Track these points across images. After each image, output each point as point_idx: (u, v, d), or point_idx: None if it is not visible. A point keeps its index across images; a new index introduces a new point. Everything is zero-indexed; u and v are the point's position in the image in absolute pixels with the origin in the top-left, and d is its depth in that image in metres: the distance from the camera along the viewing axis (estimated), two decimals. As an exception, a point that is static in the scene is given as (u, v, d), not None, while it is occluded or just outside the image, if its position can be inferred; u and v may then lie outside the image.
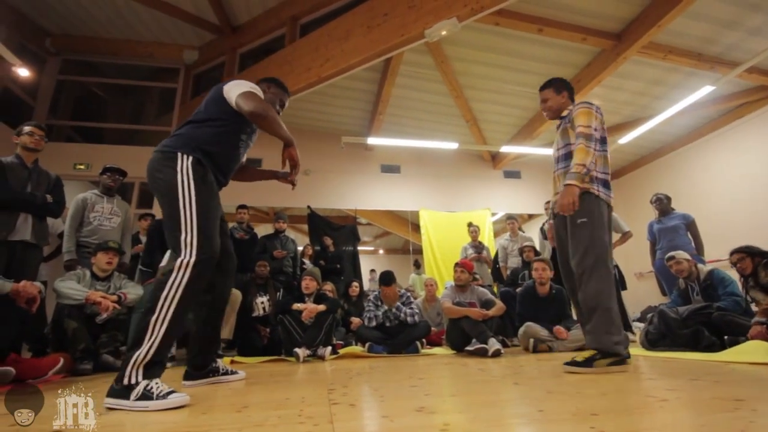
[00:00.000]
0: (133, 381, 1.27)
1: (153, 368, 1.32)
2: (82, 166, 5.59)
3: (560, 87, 2.24)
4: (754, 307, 2.78)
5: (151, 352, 1.31)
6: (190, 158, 1.54)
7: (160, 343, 1.33)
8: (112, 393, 1.27)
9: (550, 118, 2.30)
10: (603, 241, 1.93)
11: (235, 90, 1.63)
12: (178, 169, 1.52)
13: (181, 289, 1.37)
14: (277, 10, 5.68)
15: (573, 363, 1.76)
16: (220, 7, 5.58)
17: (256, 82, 1.84)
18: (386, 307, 3.47)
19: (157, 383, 1.26)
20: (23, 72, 5.13)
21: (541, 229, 4.74)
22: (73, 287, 2.51)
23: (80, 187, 5.33)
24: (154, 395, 1.22)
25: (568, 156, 2.08)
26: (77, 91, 6.58)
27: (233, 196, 4.40)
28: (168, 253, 3.04)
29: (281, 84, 2.02)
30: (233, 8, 5.72)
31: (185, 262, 1.39)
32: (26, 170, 2.63)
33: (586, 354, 1.78)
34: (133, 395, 1.23)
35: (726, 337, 2.64)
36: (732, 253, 2.95)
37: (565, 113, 2.20)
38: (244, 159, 1.93)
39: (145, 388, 1.24)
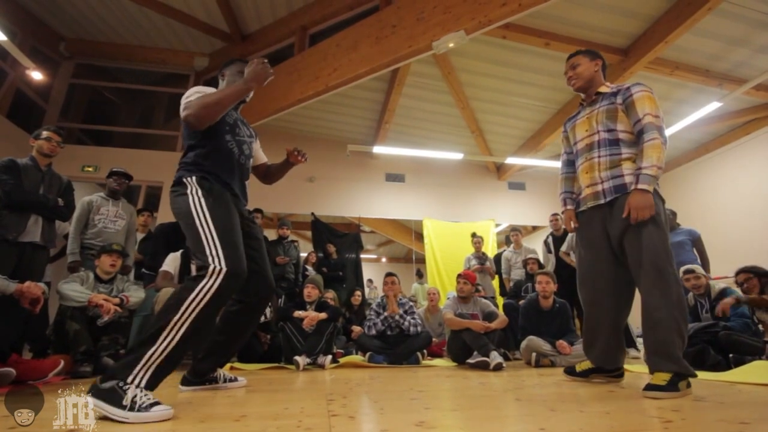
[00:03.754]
0: (137, 381, 1.21)
1: (154, 378, 1.25)
2: (90, 168, 5.65)
3: (594, 54, 1.98)
4: (762, 328, 2.74)
5: (165, 353, 1.26)
6: (194, 177, 1.57)
7: (176, 346, 1.28)
8: (97, 393, 1.16)
9: (576, 87, 1.99)
10: (669, 242, 1.72)
11: (181, 111, 1.59)
12: (188, 192, 1.54)
13: (209, 294, 1.33)
14: (287, 19, 5.77)
15: (654, 387, 1.50)
16: (231, 15, 5.68)
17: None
18: (386, 314, 3.45)
19: (145, 393, 1.19)
20: (37, 75, 5.23)
21: (545, 242, 4.72)
22: (76, 289, 2.52)
23: (88, 188, 5.39)
24: (136, 406, 1.15)
25: (614, 143, 1.83)
26: (88, 94, 6.69)
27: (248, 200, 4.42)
28: (170, 256, 3.06)
29: (231, 60, 1.92)
30: (244, 17, 5.82)
31: (217, 269, 1.36)
32: (40, 173, 2.67)
33: (665, 377, 1.54)
34: (120, 402, 1.15)
35: (731, 356, 2.60)
36: (738, 273, 2.92)
37: (605, 89, 1.93)
38: (252, 151, 1.86)
39: (132, 398, 1.16)
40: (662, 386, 1.51)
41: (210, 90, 1.66)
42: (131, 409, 1.14)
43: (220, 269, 1.37)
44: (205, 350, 1.80)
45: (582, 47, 4.51)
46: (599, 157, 1.86)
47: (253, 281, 1.74)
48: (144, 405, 1.15)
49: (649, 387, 1.54)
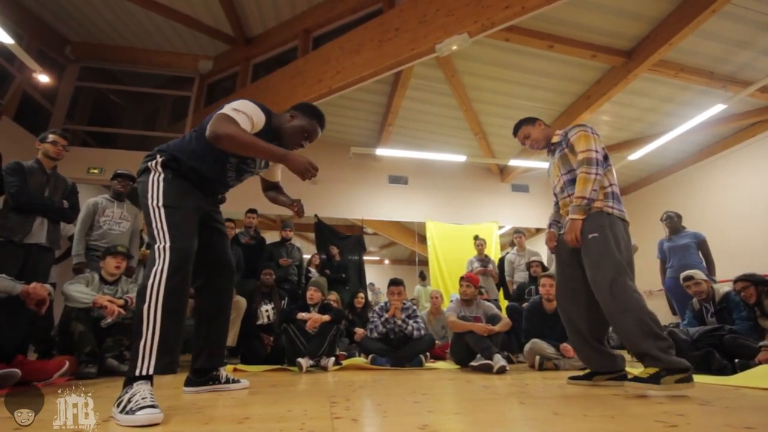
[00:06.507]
0: (144, 372, 1.27)
1: (163, 360, 1.31)
2: (95, 170, 5.69)
3: (531, 120, 2.28)
4: None
5: (156, 340, 1.31)
6: (162, 158, 1.57)
7: (161, 330, 1.32)
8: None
9: (539, 149, 2.29)
10: (617, 254, 1.86)
11: (218, 111, 1.52)
12: (151, 166, 1.56)
13: (165, 273, 1.37)
14: (290, 23, 5.80)
15: (637, 379, 1.63)
16: (236, 19, 5.71)
17: (287, 108, 1.80)
18: (387, 315, 3.44)
19: (143, 396, 1.19)
20: (43, 78, 5.27)
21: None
22: (81, 291, 2.53)
23: (93, 190, 5.43)
24: (127, 408, 1.16)
25: (574, 181, 2.06)
26: (94, 97, 6.74)
27: (243, 200, 4.44)
28: None
29: (310, 111, 1.78)
30: (248, 20, 5.85)
31: (162, 247, 1.42)
32: (45, 175, 2.70)
33: (650, 371, 1.64)
34: (116, 405, 1.20)
35: (737, 360, 2.58)
36: (736, 281, 2.92)
37: (556, 139, 2.20)
38: (248, 176, 1.86)
39: (128, 399, 1.19)
40: (643, 378, 1.62)
41: (260, 114, 1.60)
42: (122, 410, 1.17)
43: (164, 246, 1.41)
44: (199, 351, 1.82)
45: (585, 49, 4.57)
46: (568, 196, 2.11)
47: (212, 266, 1.78)
48: (133, 408, 1.15)
49: (632, 378, 1.67)
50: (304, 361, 2.83)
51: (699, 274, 3.19)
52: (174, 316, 1.37)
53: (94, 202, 3.26)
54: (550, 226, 2.34)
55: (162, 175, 1.54)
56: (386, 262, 11.79)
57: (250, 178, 1.95)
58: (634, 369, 2.39)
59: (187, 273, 1.46)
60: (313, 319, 3.15)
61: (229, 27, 5.84)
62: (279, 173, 2.06)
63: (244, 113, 1.54)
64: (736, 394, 1.74)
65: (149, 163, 1.57)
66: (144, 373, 1.27)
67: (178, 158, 1.58)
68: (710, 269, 3.97)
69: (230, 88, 6.32)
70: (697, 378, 2.24)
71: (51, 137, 2.74)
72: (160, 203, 1.49)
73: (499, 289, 5.17)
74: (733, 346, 2.59)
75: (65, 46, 6.12)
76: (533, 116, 2.30)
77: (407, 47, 4.21)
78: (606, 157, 2.07)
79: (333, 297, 4.07)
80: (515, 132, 2.33)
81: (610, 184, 2.03)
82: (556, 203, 2.32)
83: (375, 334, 3.40)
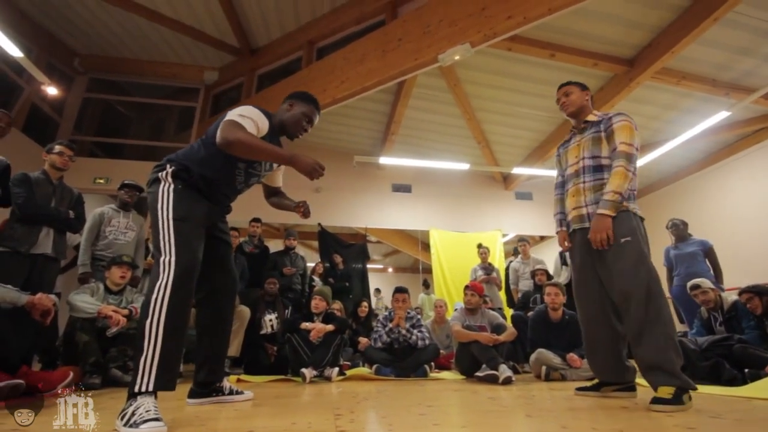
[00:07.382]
0: (143, 388, 1.26)
1: (163, 377, 1.30)
2: (101, 180, 5.75)
3: (585, 87, 2.11)
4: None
5: (156, 356, 1.30)
6: (173, 168, 1.58)
7: (162, 347, 1.31)
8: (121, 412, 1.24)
9: (567, 112, 2.10)
10: (649, 259, 1.76)
11: (224, 119, 1.55)
12: (162, 177, 1.57)
13: (168, 289, 1.37)
14: (294, 34, 5.87)
15: (661, 401, 1.54)
16: (240, 30, 5.79)
17: (282, 100, 1.83)
18: (391, 325, 3.42)
19: (147, 408, 1.20)
20: (52, 90, 5.36)
21: (561, 253, 4.65)
22: (86, 300, 2.54)
23: (99, 200, 5.47)
24: (131, 421, 1.16)
25: (598, 169, 1.94)
26: (101, 108, 6.84)
27: (247, 209, 4.45)
28: None
29: (307, 97, 1.85)
30: (253, 32, 5.94)
31: (167, 260, 1.41)
32: (51, 186, 2.73)
33: (670, 390, 1.57)
34: (120, 418, 1.20)
35: (746, 370, 2.53)
36: (741, 293, 2.89)
37: (592, 118, 2.03)
38: (257, 180, 1.89)
39: (132, 412, 1.19)
40: (669, 399, 1.55)
41: (264, 118, 1.65)
42: (126, 423, 1.17)
43: (169, 259, 1.41)
44: (201, 363, 1.81)
45: (587, 58, 4.58)
46: (584, 182, 1.98)
47: (215, 277, 1.78)
48: (137, 421, 1.16)
49: (656, 400, 1.58)
50: (308, 372, 2.81)
51: (706, 283, 3.15)
52: (175, 333, 1.36)
53: (100, 212, 3.28)
54: (560, 223, 2.17)
55: (172, 186, 1.55)
56: (390, 270, 11.76)
57: (253, 187, 1.97)
58: (644, 381, 2.36)
59: (191, 289, 1.46)
60: (317, 329, 3.14)
61: (234, 38, 5.93)
62: (280, 179, 2.09)
63: (250, 118, 1.57)
64: (748, 405, 1.70)
65: (159, 174, 1.58)
66: (143, 389, 1.26)
67: (189, 167, 1.60)
68: (718, 277, 3.92)
69: (235, 98, 6.39)
70: (707, 389, 2.22)
71: (57, 148, 2.78)
72: (170, 215, 1.49)
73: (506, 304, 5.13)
74: (742, 356, 2.55)
75: (73, 59, 6.23)
76: (586, 87, 2.12)
77: (410, 57, 4.25)
78: None
79: (337, 306, 4.05)
80: (564, 84, 2.14)
81: (633, 189, 1.94)
82: (559, 193, 2.18)
83: (379, 344, 3.38)
